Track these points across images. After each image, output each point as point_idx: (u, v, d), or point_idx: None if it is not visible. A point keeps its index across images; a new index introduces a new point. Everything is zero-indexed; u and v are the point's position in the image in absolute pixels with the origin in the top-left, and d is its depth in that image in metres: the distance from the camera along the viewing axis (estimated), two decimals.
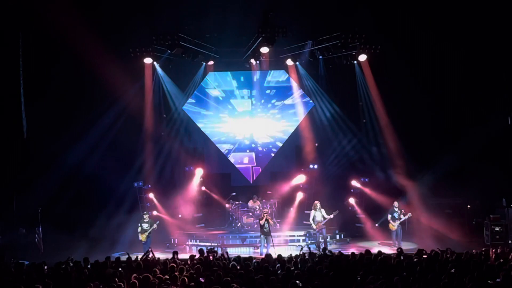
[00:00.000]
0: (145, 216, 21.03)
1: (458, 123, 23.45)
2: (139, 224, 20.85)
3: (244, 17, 22.27)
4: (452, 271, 12.40)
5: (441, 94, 23.41)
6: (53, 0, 20.80)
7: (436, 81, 23.47)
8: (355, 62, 24.40)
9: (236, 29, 23.33)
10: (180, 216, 23.95)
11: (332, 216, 21.04)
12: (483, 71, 22.64)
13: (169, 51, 23.15)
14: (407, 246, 20.40)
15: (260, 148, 26.82)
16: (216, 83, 26.46)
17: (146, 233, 20.52)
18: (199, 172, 24.94)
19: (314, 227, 21.19)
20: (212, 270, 12.93)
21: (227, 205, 24.48)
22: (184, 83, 25.94)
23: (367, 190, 24.34)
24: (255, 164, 26.83)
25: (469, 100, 23.15)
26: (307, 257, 15.14)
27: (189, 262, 14.93)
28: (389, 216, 21.33)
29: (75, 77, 22.65)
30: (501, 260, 13.43)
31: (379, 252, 15.07)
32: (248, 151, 26.81)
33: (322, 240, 21.08)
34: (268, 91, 26.66)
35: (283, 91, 26.71)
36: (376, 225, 23.44)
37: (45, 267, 14.54)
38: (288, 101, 26.68)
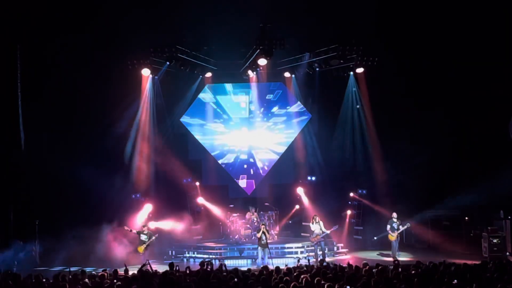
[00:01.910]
0: (144, 228, 20.99)
1: (456, 135, 23.51)
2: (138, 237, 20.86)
3: (242, 29, 22.34)
4: (454, 282, 12.37)
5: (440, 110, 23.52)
6: (51, 13, 20.89)
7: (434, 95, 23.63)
8: (351, 73, 24.45)
9: (234, 41, 23.42)
10: (179, 228, 23.91)
11: (329, 231, 21.04)
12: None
13: (168, 63, 23.20)
14: (405, 258, 20.38)
15: (259, 164, 26.80)
16: (212, 89, 26.55)
17: (145, 245, 20.48)
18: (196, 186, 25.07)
19: (312, 239, 21.17)
20: (210, 282, 12.89)
21: (229, 219, 24.41)
22: (182, 95, 25.98)
23: (366, 202, 24.43)
24: (252, 178, 26.85)
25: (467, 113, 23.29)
26: (304, 269, 15.10)
27: (187, 272, 14.90)
28: (388, 227, 21.30)
29: (73, 89, 22.67)
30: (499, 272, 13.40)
31: (377, 264, 15.05)
32: (244, 168, 26.83)
33: (320, 252, 21.05)
34: (269, 96, 26.66)
35: (285, 98, 26.74)
36: (375, 238, 23.42)
37: (43, 280, 14.48)
38: (289, 110, 26.73)
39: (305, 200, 25.01)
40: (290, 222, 25.37)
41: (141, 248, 20.55)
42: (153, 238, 20.71)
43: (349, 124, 25.53)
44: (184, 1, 21.59)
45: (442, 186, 23.48)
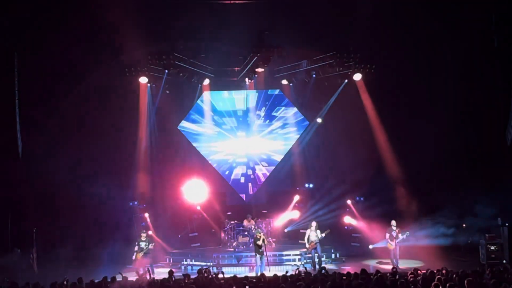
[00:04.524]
0: (142, 235, 20.99)
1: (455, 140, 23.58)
2: (136, 243, 20.84)
3: (239, 37, 22.39)
4: None
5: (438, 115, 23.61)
6: (49, 20, 20.92)
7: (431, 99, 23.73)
8: (346, 80, 24.47)
9: (232, 49, 23.45)
10: (179, 236, 23.85)
11: (323, 235, 21.06)
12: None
13: (166, 71, 23.20)
14: (404, 265, 20.37)
15: (257, 170, 26.83)
16: (210, 96, 26.57)
17: (143, 252, 20.47)
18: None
19: (307, 246, 21.20)
20: None
21: (226, 226, 24.41)
22: (180, 102, 26.01)
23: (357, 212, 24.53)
24: (250, 185, 26.86)
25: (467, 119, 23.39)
26: (302, 276, 15.10)
27: (186, 281, 14.89)
28: (387, 235, 21.26)
29: (71, 97, 22.67)
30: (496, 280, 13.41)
31: (377, 271, 15.06)
32: (241, 175, 26.85)
33: (317, 259, 21.08)
34: (267, 103, 26.60)
35: (283, 105, 26.77)
36: (370, 247, 23.39)
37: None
38: (287, 117, 26.76)
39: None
40: (286, 231, 25.32)
41: (138, 255, 20.52)
42: (151, 246, 20.69)
43: (347, 131, 25.50)
44: (182, 9, 21.61)
45: (440, 193, 23.48)
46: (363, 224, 24.42)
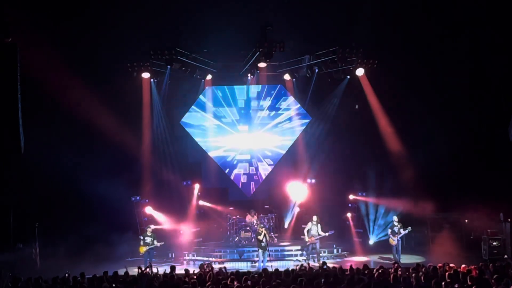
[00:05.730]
0: (148, 230, 21.00)
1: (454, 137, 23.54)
2: (141, 237, 20.87)
3: (241, 32, 22.35)
4: (456, 286, 12.39)
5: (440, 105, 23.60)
6: (51, 16, 20.90)
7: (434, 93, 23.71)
8: (348, 76, 24.43)
9: (234, 44, 23.41)
10: (181, 232, 23.89)
11: (327, 234, 21.10)
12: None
13: (168, 66, 23.17)
14: (405, 260, 20.37)
15: (259, 165, 26.79)
16: (212, 91, 26.53)
17: (147, 247, 20.48)
18: (196, 188, 25.03)
19: (307, 239, 21.24)
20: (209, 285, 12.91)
21: (228, 221, 24.39)
22: (182, 97, 26.00)
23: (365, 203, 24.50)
24: (252, 180, 26.84)
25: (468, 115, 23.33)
26: (304, 271, 15.11)
27: (188, 276, 14.91)
28: (389, 231, 21.26)
29: (73, 92, 22.62)
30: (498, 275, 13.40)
31: (380, 266, 15.07)
32: (243, 170, 26.81)
33: (315, 254, 21.14)
34: (269, 98, 26.56)
35: (285, 100, 26.71)
36: (371, 242, 23.41)
37: (43, 283, 14.49)
38: (289, 112, 26.71)
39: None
40: (286, 227, 25.32)
41: (142, 249, 20.54)
42: (157, 243, 20.69)
43: (348, 126, 25.48)
44: (184, 4, 21.57)
45: (442, 188, 23.46)
46: (365, 220, 24.49)
